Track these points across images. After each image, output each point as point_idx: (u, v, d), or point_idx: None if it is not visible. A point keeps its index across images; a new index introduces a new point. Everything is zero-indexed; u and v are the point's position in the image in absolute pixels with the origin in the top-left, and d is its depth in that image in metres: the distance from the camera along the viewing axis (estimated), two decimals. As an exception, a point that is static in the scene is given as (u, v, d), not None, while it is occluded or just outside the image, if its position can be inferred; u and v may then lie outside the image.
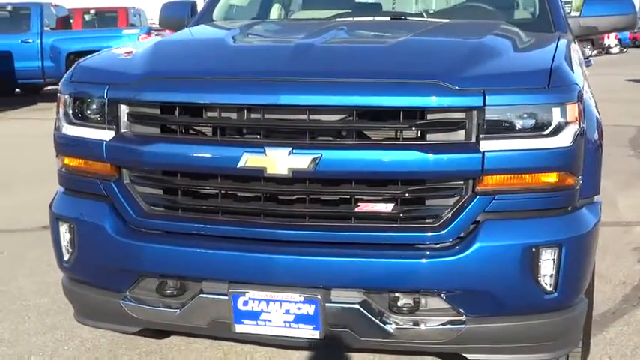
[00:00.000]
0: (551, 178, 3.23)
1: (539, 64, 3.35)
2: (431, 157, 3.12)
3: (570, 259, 3.25)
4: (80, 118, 3.56)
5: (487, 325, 3.28)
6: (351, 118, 3.21)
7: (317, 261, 3.22)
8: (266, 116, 3.26)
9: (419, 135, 3.23)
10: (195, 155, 3.31)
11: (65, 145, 3.64)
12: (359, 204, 3.26)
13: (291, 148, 3.18)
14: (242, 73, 3.35)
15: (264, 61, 3.46)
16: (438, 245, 3.21)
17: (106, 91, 3.46)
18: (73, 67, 3.74)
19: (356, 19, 4.75)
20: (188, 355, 4.23)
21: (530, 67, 3.36)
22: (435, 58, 3.40)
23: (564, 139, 3.21)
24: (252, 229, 3.31)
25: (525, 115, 3.17)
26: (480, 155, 3.13)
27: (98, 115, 3.50)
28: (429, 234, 3.20)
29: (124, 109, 3.45)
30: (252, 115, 3.29)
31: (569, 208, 3.33)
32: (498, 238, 3.18)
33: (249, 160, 3.21)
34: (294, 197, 3.31)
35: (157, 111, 3.41)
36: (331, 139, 3.26)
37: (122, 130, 3.46)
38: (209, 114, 3.36)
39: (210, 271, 3.35)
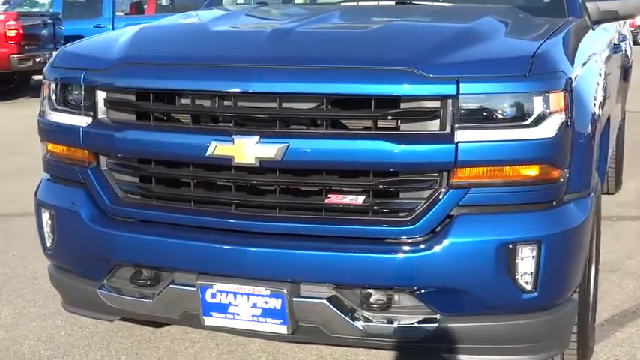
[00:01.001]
0: (532, 170, 3.05)
1: (521, 50, 3.17)
2: (400, 147, 2.98)
3: (551, 257, 3.08)
4: (61, 103, 3.54)
5: (462, 325, 3.13)
6: (322, 107, 3.09)
7: (284, 254, 3.12)
8: (237, 103, 3.16)
9: (391, 124, 3.09)
10: (165, 143, 3.24)
11: (47, 131, 3.62)
12: (329, 196, 3.14)
13: (259, 137, 3.08)
14: (212, 59, 3.26)
15: (237, 47, 3.36)
16: (410, 240, 3.07)
17: (82, 76, 3.42)
18: (57, 53, 3.71)
19: (360, 3, 4.60)
20: (181, 345, 4.18)
21: (510, 54, 3.17)
22: (411, 44, 3.25)
23: (547, 130, 3.03)
24: (223, 219, 3.23)
25: (504, 105, 3.01)
26: (453, 146, 2.98)
27: (77, 101, 3.47)
28: (401, 228, 3.06)
29: (100, 95, 3.40)
30: (222, 103, 3.19)
31: (554, 203, 3.14)
32: (472, 233, 3.03)
33: (217, 148, 3.13)
34: (263, 188, 3.21)
35: (132, 97, 3.35)
36: (300, 128, 3.15)
37: (99, 117, 3.42)
38: (181, 101, 3.29)
39: (180, 262, 3.28)
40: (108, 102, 3.39)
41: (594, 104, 3.55)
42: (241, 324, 3.23)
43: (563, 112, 3.08)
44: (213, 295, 3.22)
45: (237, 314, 3.21)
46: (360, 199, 3.11)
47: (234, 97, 3.15)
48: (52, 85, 3.57)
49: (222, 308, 3.22)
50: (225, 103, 3.20)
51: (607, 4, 4.40)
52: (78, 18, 19.99)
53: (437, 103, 3.02)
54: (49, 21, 17.24)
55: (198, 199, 3.29)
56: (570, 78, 3.17)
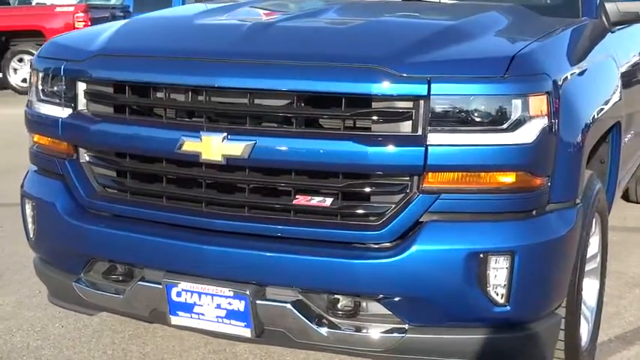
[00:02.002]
0: (509, 178, 2.90)
1: (501, 50, 3.01)
2: (369, 148, 2.86)
3: (527, 269, 2.92)
4: (46, 94, 3.51)
5: (432, 337, 2.99)
6: (292, 104, 2.99)
7: (248, 255, 3.03)
8: (205, 99, 3.08)
9: (363, 125, 2.97)
10: (136, 137, 3.19)
11: (33, 122, 3.60)
12: (297, 197, 3.03)
13: (226, 134, 3.00)
14: (185, 53, 3.18)
15: (212, 41, 3.27)
16: (378, 246, 2.95)
17: (62, 67, 3.39)
18: (45, 43, 3.69)
19: None
20: (170, 342, 4.12)
21: (488, 54, 3.01)
22: (387, 42, 3.11)
23: (525, 135, 2.87)
24: (192, 217, 3.16)
25: (478, 107, 2.86)
26: (423, 149, 2.84)
27: (60, 93, 3.44)
28: (368, 233, 2.94)
29: (81, 87, 3.36)
30: (192, 97, 3.11)
31: (534, 212, 2.98)
32: (439, 241, 2.88)
33: (185, 144, 3.06)
34: (231, 186, 3.12)
35: (107, 89, 3.31)
36: (269, 125, 3.05)
37: (79, 108, 3.38)
38: (156, 94, 3.22)
39: (148, 259, 3.22)
40: (87, 94, 3.35)
41: (591, 110, 3.36)
42: (206, 325, 3.16)
43: (546, 117, 2.91)
44: (179, 294, 3.15)
45: (203, 315, 3.14)
46: (328, 201, 3.00)
47: (204, 92, 3.07)
48: (38, 76, 3.55)
49: (188, 308, 3.15)
50: (194, 98, 3.12)
51: (628, 4, 4.18)
52: (148, 11, 20.16)
53: (409, 104, 2.89)
54: (118, 14, 17.42)
55: (169, 196, 3.22)
56: (558, 81, 3.01)
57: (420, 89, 2.84)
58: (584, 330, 3.69)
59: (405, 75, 2.85)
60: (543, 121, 2.90)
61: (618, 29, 4.27)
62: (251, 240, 3.04)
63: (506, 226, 2.91)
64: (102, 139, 3.27)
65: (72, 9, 16.44)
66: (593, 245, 3.80)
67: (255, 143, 2.96)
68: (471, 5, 4.04)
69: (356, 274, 2.91)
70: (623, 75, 4.17)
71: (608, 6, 4.19)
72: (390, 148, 2.86)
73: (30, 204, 3.59)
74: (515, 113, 2.86)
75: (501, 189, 2.90)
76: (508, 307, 2.93)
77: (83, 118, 3.33)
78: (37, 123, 3.56)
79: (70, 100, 3.38)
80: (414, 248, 2.87)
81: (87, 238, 3.32)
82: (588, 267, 3.77)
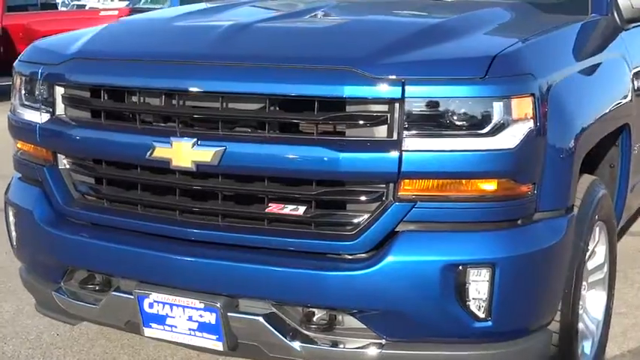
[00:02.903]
0: (490, 185, 2.73)
1: (482, 50, 2.83)
2: (341, 154, 2.73)
3: (509, 282, 2.75)
4: (26, 99, 3.44)
5: (409, 352, 2.85)
6: (264, 109, 2.85)
7: (219, 265, 2.91)
8: (179, 103, 2.97)
9: (337, 130, 2.83)
10: (108, 143, 3.10)
11: (14, 128, 3.53)
12: (270, 205, 2.90)
13: (196, 139, 2.88)
14: (156, 56, 3.08)
15: (185, 43, 3.15)
16: (352, 257, 2.81)
17: (40, 71, 3.31)
18: (28, 47, 3.62)
19: None
20: (162, 352, 4.01)
21: (467, 54, 2.84)
22: (362, 42, 2.95)
23: (507, 140, 2.70)
24: (165, 226, 3.06)
25: (456, 110, 2.70)
26: (397, 155, 2.69)
27: (38, 97, 3.36)
28: (341, 243, 2.80)
29: (58, 91, 3.28)
30: (164, 102, 3.00)
31: (519, 222, 2.81)
32: (415, 252, 2.73)
33: (156, 150, 2.95)
34: (203, 194, 3.00)
35: (82, 93, 3.21)
36: (240, 130, 2.92)
37: (57, 113, 3.29)
38: (131, 99, 3.11)
39: (122, 269, 3.13)
40: (64, 98, 3.26)
41: (589, 112, 3.17)
42: (179, 337, 3.05)
43: (531, 121, 2.74)
44: (151, 306, 3.04)
45: (175, 327, 3.03)
46: (301, 210, 2.86)
47: (175, 96, 2.96)
48: (20, 80, 3.48)
49: (161, 320, 3.04)
50: (166, 102, 3.01)
51: None
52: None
53: (384, 108, 2.74)
54: (162, 16, 17.45)
55: (144, 204, 3.12)
56: (547, 82, 2.83)
57: (394, 92, 2.69)
58: (588, 345, 3.50)
59: (377, 77, 2.70)
60: (528, 125, 2.73)
61: (634, 27, 4.05)
62: (222, 250, 2.93)
63: (487, 237, 2.75)
64: (76, 145, 3.19)
65: (116, 12, 16.54)
66: (599, 255, 3.60)
67: (226, 149, 2.84)
68: (470, 3, 3.86)
69: (327, 286, 2.78)
70: (637, 75, 3.94)
71: (622, 2, 3.97)
72: (363, 154, 2.72)
73: (12, 211, 3.52)
74: (497, 117, 2.69)
75: (482, 197, 2.74)
76: (490, 322, 2.76)
77: (60, 123, 3.25)
78: (18, 129, 3.49)
79: (49, 105, 3.30)
80: (387, 260, 2.72)
81: (62, 247, 3.24)
82: (593, 278, 3.58)
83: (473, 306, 2.75)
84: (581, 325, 3.48)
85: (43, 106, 3.31)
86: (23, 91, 3.44)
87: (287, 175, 2.83)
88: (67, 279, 3.33)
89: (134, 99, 3.09)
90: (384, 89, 2.70)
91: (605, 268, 3.65)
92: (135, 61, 3.09)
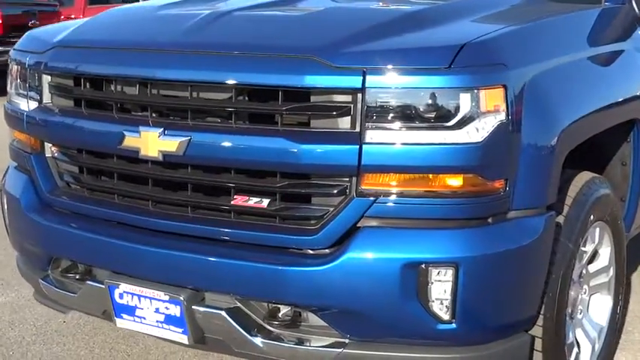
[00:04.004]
0: (456, 181, 2.60)
1: (451, 38, 2.69)
2: (301, 146, 2.64)
3: (475, 283, 2.62)
4: (19, 87, 3.45)
5: (372, 353, 2.74)
6: (230, 98, 2.78)
7: (183, 257, 2.85)
8: (150, 92, 2.92)
9: (301, 120, 2.74)
10: (85, 131, 3.08)
11: (9, 116, 3.54)
12: (236, 197, 2.83)
13: (162, 129, 2.84)
14: (130, 44, 3.05)
15: (159, 32, 3.08)
16: (313, 252, 2.72)
17: (27, 59, 3.32)
18: (23, 36, 3.64)
19: None
20: (159, 343, 3.99)
21: (434, 42, 2.71)
22: (327, 31, 2.85)
23: (474, 134, 2.57)
24: (136, 216, 3.02)
25: (420, 102, 2.57)
26: (357, 148, 2.59)
27: (27, 85, 3.37)
28: (302, 237, 2.71)
29: (45, 80, 3.28)
30: (137, 91, 2.96)
31: (489, 220, 2.67)
32: (374, 249, 2.62)
33: (126, 139, 2.92)
34: (170, 184, 2.95)
35: (66, 81, 3.20)
36: (206, 120, 2.86)
37: (44, 101, 3.29)
38: (108, 87, 3.09)
39: (96, 258, 3.11)
40: (50, 86, 3.26)
41: (580, 106, 2.99)
42: (148, 329, 3.01)
43: (502, 113, 2.60)
44: (121, 296, 3.01)
45: (144, 318, 2.99)
46: (265, 202, 2.78)
47: (148, 84, 2.92)
48: (14, 69, 3.50)
49: (131, 310, 3.01)
50: (138, 90, 2.97)
51: None
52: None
53: (347, 98, 2.63)
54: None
55: (119, 194, 3.09)
56: (524, 73, 2.69)
57: (354, 81, 2.59)
58: (586, 352, 3.32)
59: (338, 66, 2.60)
60: (499, 118, 2.59)
61: None
62: (187, 242, 2.87)
63: (452, 235, 2.62)
64: (58, 134, 3.19)
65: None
66: (603, 257, 3.41)
67: (191, 139, 2.78)
68: None
69: (285, 282, 2.69)
70: None
71: None
72: (323, 146, 2.62)
73: (5, 199, 3.55)
74: (463, 109, 2.56)
75: (447, 193, 2.61)
76: (454, 325, 2.63)
77: (45, 111, 3.25)
78: (12, 117, 3.50)
79: (37, 93, 3.30)
80: (346, 256, 2.62)
81: (45, 235, 3.24)
82: (596, 281, 3.41)
83: (436, 307, 2.62)
84: (578, 331, 3.32)
85: (31, 94, 3.31)
86: (16, 80, 3.46)
87: (251, 166, 2.76)
88: (53, 267, 3.33)
89: (108, 87, 3.07)
90: (345, 79, 2.60)
91: (611, 272, 3.46)
92: (109, 49, 3.06)
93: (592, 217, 3.12)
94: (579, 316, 3.32)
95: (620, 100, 3.32)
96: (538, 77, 2.76)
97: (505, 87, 2.60)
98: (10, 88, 3.53)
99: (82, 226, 3.12)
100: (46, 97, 3.27)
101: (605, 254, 3.41)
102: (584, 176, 3.17)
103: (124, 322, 3.06)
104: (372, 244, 2.62)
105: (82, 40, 3.21)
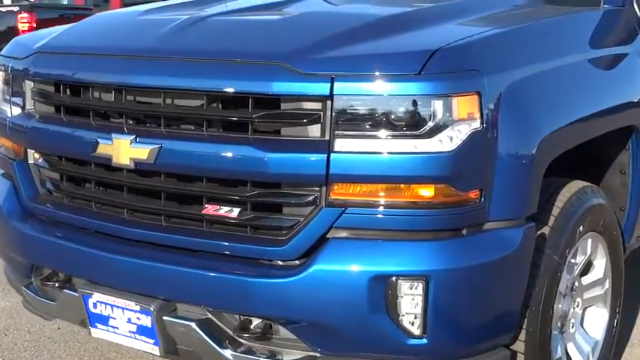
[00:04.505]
0: (427, 191, 2.51)
1: (423, 44, 2.60)
2: (267, 155, 2.57)
3: (445, 297, 2.53)
4: (3, 93, 3.43)
5: (344, 368, 2.65)
6: (202, 105, 2.72)
7: (152, 267, 2.80)
8: (124, 99, 2.87)
9: (272, 128, 2.66)
10: (61, 138, 3.04)
11: (-5, 123, 3.53)
12: (207, 206, 2.77)
13: (134, 136, 2.79)
14: (105, 50, 3.00)
15: (135, 38, 3.04)
16: (283, 264, 2.65)
17: (10, 65, 3.29)
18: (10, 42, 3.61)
19: None
20: (153, 351, 3.95)
21: (406, 48, 2.62)
22: (299, 36, 2.77)
23: (446, 142, 2.48)
24: (110, 224, 2.98)
25: (389, 110, 2.49)
26: (325, 157, 2.51)
27: (10, 91, 3.34)
28: (271, 248, 2.64)
29: (28, 86, 3.24)
30: (111, 97, 2.91)
31: (463, 232, 2.57)
32: (342, 261, 2.54)
33: (100, 146, 2.88)
34: (147, 193, 2.90)
35: (47, 87, 3.16)
36: (178, 128, 2.79)
37: (27, 108, 3.26)
38: (85, 93, 3.04)
39: (71, 267, 3.07)
40: (32, 92, 3.22)
41: (565, 113, 2.88)
42: (122, 339, 2.97)
43: (477, 121, 2.51)
44: (95, 306, 2.98)
45: (117, 328, 2.95)
46: (235, 212, 2.72)
47: (122, 91, 2.87)
48: (0, 75, 3.48)
49: (104, 320, 2.97)
50: (106, 97, 2.94)
51: None
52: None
53: (317, 105, 2.56)
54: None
55: (95, 201, 3.05)
56: (501, 79, 2.59)
57: (323, 88, 2.51)
58: (578, 367, 3.21)
59: (306, 72, 2.53)
60: (473, 126, 2.50)
61: None
62: (159, 251, 2.82)
63: (422, 247, 2.53)
64: (37, 140, 3.16)
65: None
66: (598, 269, 3.29)
67: (162, 147, 2.73)
68: None
69: (252, 293, 2.62)
70: None
71: None
72: (291, 155, 2.55)
73: None
74: (434, 116, 2.47)
75: (419, 204, 2.52)
76: (425, 340, 2.54)
77: (26, 117, 3.21)
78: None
79: (20, 99, 3.27)
80: (313, 268, 2.55)
81: (24, 243, 3.22)
82: (590, 294, 3.29)
83: (406, 321, 2.53)
84: (570, 346, 3.20)
85: (15, 100, 3.28)
86: (2, 86, 3.44)
87: (222, 175, 2.70)
88: (36, 274, 3.30)
89: (85, 93, 3.03)
90: (313, 86, 2.52)
91: (607, 284, 3.34)
92: (85, 55, 3.03)
93: (582, 228, 3.00)
94: (571, 330, 3.21)
95: (614, 106, 3.19)
96: (518, 83, 2.66)
97: (479, 94, 2.50)
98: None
99: (59, 234, 3.08)
100: (29, 104, 3.24)
101: (600, 266, 3.29)
102: (575, 185, 3.06)
103: (98, 332, 3.02)
104: (340, 255, 2.54)
105: (62, 47, 3.17)
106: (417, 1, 3.33)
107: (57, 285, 3.17)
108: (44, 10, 15.36)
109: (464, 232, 2.57)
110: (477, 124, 2.50)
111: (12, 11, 14.89)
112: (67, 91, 3.06)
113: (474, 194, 2.55)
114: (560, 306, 3.02)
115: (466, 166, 2.51)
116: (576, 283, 3.19)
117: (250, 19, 3.18)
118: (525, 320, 2.80)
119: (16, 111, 3.27)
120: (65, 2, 14.90)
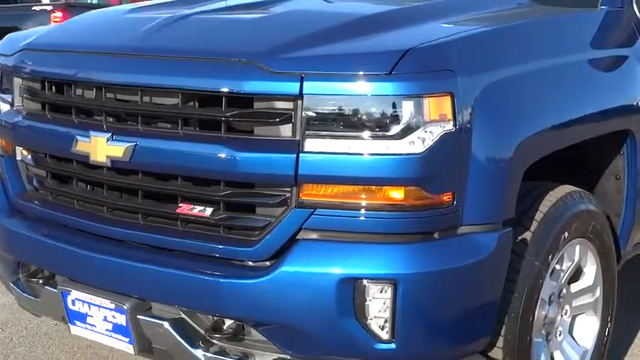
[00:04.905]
0: (397, 193, 2.47)
1: (396, 44, 2.55)
2: (237, 154, 2.54)
3: (414, 301, 2.49)
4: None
5: (313, 371, 2.62)
6: (177, 103, 2.70)
7: (127, 266, 2.79)
8: (103, 96, 2.87)
9: (246, 127, 2.64)
10: (43, 135, 3.05)
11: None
12: (181, 205, 2.75)
13: (111, 134, 2.78)
14: (85, 48, 3.00)
15: (116, 36, 3.03)
16: (254, 265, 2.62)
17: (0, 62, 3.31)
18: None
19: None
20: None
21: (377, 48, 2.58)
22: (274, 34, 2.75)
23: (416, 144, 2.43)
24: (93, 223, 2.96)
25: (359, 110, 2.46)
26: (294, 157, 2.48)
27: (1, 88, 3.37)
28: (241, 248, 2.62)
29: (16, 82, 3.26)
30: (92, 94, 2.91)
31: (435, 235, 2.53)
32: (310, 263, 2.51)
33: (78, 144, 2.87)
34: (124, 191, 2.89)
35: (34, 84, 3.17)
36: (153, 126, 2.78)
37: (16, 104, 3.27)
38: (67, 90, 3.04)
39: (51, 264, 3.08)
40: (19, 89, 3.24)
41: (547, 115, 2.82)
42: (99, 337, 2.96)
43: (449, 123, 2.46)
44: (74, 303, 2.97)
45: (95, 326, 2.95)
46: (208, 211, 2.70)
47: (92, 88, 2.87)
48: (-6, 73, 3.50)
49: (82, 318, 2.97)
50: (85, 94, 2.93)
51: None
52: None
53: (289, 105, 2.53)
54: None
55: (76, 199, 3.04)
56: (477, 80, 2.54)
57: (293, 87, 2.48)
58: (566, 376, 3.14)
59: (276, 71, 2.50)
60: (445, 127, 2.45)
61: None
62: (133, 250, 2.81)
63: (391, 250, 2.48)
64: (22, 136, 3.17)
65: None
66: (588, 276, 3.22)
67: (136, 145, 2.72)
68: None
69: (221, 294, 2.60)
70: None
71: None
72: (261, 155, 2.53)
73: None
74: (405, 117, 2.43)
75: (389, 206, 2.48)
76: (393, 345, 2.50)
77: (14, 114, 3.23)
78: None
79: (9, 95, 3.29)
80: (281, 269, 2.52)
81: (8, 238, 3.22)
82: (579, 301, 3.22)
83: (374, 325, 2.49)
84: (557, 354, 3.14)
85: (4, 97, 3.31)
86: None
87: (196, 174, 2.68)
88: (23, 271, 3.31)
89: (68, 90, 3.03)
90: (283, 85, 2.50)
91: (598, 292, 3.27)
92: (67, 53, 3.03)
93: (567, 234, 2.93)
94: (558, 338, 3.14)
95: (604, 110, 3.11)
96: (496, 85, 2.60)
97: (452, 95, 2.45)
98: None
99: (42, 232, 3.08)
100: (17, 100, 3.25)
101: (590, 273, 3.22)
102: (561, 190, 2.99)
103: (77, 329, 3.02)
104: (307, 257, 2.51)
105: (46, 44, 3.18)
106: (406, 0, 3.27)
107: (41, 282, 3.18)
108: (79, 9, 15.50)
109: (436, 235, 2.53)
110: (449, 126, 2.46)
111: (46, 10, 15.08)
112: (50, 88, 3.07)
113: (446, 197, 2.50)
114: (543, 313, 2.95)
115: (437, 169, 2.46)
116: (564, 290, 3.12)
117: (230, 18, 3.16)
118: (503, 327, 2.74)
119: (6, 107, 3.29)
120: (95, 2, 14.99)
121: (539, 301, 2.87)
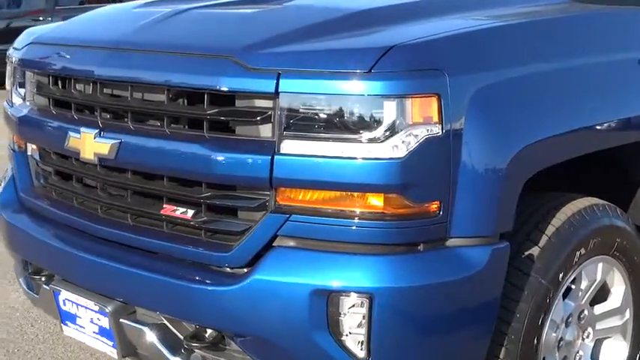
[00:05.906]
0: (376, 200, 2.29)
1: (379, 41, 2.37)
2: (212, 154, 2.42)
3: (391, 318, 2.30)
4: (9, 84, 3.43)
5: (289, 386, 2.46)
6: (162, 100, 2.59)
7: (110, 267, 2.69)
8: (98, 91, 2.78)
9: (226, 126, 2.51)
10: (42, 130, 3.00)
11: (5, 114, 3.53)
12: (165, 206, 2.64)
13: (99, 130, 2.70)
14: (84, 42, 2.93)
15: (116, 30, 2.91)
16: (231, 271, 2.48)
17: (13, 55, 3.29)
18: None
19: None
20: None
21: (359, 44, 2.40)
22: (255, 30, 2.59)
23: (396, 148, 2.25)
24: (85, 222, 2.89)
25: (337, 110, 2.29)
26: (268, 159, 2.33)
27: (13, 81, 3.34)
28: (219, 254, 2.49)
29: (28, 77, 3.22)
30: (88, 90, 2.83)
31: (419, 247, 2.34)
32: (282, 272, 2.35)
33: (70, 140, 2.81)
34: (107, 189, 2.80)
35: (42, 79, 3.11)
36: (139, 123, 2.67)
37: (27, 99, 3.24)
38: (67, 85, 2.97)
39: (46, 262, 3.02)
40: (29, 83, 3.20)
41: (553, 124, 2.57)
42: (88, 340, 2.90)
43: (436, 126, 2.27)
44: (64, 303, 2.92)
45: (84, 327, 2.88)
46: (189, 213, 2.58)
47: (89, 83, 2.79)
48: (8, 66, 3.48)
49: (73, 318, 2.91)
50: (82, 89, 2.85)
51: None
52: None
53: (268, 103, 2.38)
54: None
55: (72, 197, 2.97)
56: (470, 81, 2.34)
57: (269, 85, 2.33)
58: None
59: (253, 67, 2.36)
60: (430, 130, 2.26)
61: None
62: (118, 251, 2.72)
63: (369, 262, 2.30)
64: (27, 131, 3.13)
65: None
66: (616, 297, 2.95)
67: (121, 142, 2.63)
68: None
69: (193, 301, 2.48)
70: None
71: None
72: (236, 155, 2.39)
73: None
74: (385, 119, 2.25)
75: (369, 214, 2.30)
76: (369, 364, 2.32)
77: (19, 109, 3.20)
78: (4, 114, 3.48)
79: (21, 89, 3.26)
80: (252, 278, 2.38)
81: (11, 234, 3.19)
82: (605, 324, 2.96)
83: (349, 341, 2.32)
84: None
85: (17, 91, 3.28)
86: (10, 77, 3.44)
87: (178, 174, 2.57)
88: (28, 268, 3.27)
89: (67, 85, 2.95)
90: (260, 82, 2.35)
91: (627, 314, 2.99)
92: (67, 47, 2.96)
93: (583, 250, 2.68)
94: (582, 363, 2.89)
95: (633, 117, 2.83)
96: (494, 87, 2.39)
97: (439, 96, 2.26)
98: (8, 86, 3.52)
99: (39, 229, 3.03)
100: (28, 95, 3.22)
101: (618, 294, 2.95)
102: (581, 203, 2.74)
103: (69, 330, 2.96)
104: (280, 266, 2.35)
105: (50, 38, 3.13)
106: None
107: (42, 279, 3.13)
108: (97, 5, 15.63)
109: (420, 247, 2.33)
110: (435, 129, 2.26)
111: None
112: (55, 82, 3.01)
113: (431, 207, 2.31)
114: (554, 335, 2.71)
115: (420, 175, 2.27)
116: (585, 312, 2.86)
117: (222, 13, 3.02)
118: (502, 349, 2.53)
119: (18, 101, 3.27)
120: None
121: (549, 322, 2.64)
